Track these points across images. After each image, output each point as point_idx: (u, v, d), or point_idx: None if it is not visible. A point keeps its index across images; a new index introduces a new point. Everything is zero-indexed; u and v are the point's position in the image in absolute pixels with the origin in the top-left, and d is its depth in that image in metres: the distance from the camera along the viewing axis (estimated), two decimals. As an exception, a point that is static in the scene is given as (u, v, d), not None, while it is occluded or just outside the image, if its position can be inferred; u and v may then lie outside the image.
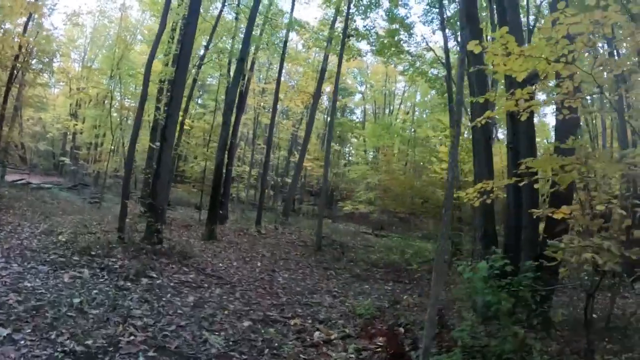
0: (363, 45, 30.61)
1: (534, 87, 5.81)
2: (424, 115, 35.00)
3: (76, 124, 32.23)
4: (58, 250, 8.49)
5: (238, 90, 15.47)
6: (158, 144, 13.12)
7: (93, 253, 8.44)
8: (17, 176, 27.30)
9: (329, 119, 24.64)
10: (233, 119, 18.41)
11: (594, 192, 5.24)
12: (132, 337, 4.89)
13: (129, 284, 7.12)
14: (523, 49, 4.87)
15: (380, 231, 26.55)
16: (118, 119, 23.63)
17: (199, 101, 37.62)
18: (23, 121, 33.23)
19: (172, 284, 7.72)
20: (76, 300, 5.67)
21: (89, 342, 4.59)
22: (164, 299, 6.71)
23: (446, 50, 19.58)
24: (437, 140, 28.25)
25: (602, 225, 4.91)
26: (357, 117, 45.37)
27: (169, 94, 11.67)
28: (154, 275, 7.96)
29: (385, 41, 20.99)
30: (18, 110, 26.88)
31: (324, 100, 35.04)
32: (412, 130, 29.92)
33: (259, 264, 11.53)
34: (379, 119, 37.61)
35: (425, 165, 28.36)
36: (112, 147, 32.46)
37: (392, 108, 39.07)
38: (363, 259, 14.50)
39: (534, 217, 6.17)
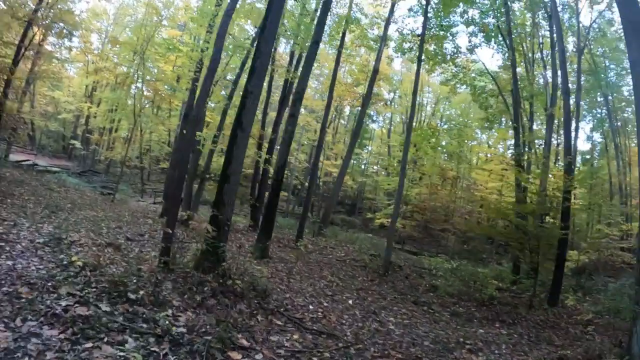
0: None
1: None
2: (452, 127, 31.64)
3: (90, 107, 28.50)
4: (73, 284, 4.86)
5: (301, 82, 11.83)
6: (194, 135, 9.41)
7: (132, 295, 4.80)
8: (24, 156, 23.75)
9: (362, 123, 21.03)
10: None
11: None
12: None
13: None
14: None
15: (402, 246, 23.34)
16: (138, 105, 19.86)
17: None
18: (35, 99, 29.45)
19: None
20: None
21: None
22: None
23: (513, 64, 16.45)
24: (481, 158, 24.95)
25: None
26: (379, 125, 41.86)
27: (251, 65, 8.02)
28: (246, 344, 4.37)
29: (431, 48, 18.14)
30: (30, 84, 23.09)
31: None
32: (456, 143, 26.32)
33: (350, 302, 8.65)
34: (414, 129, 34.06)
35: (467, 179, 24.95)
36: (128, 134, 28.94)
37: (421, 119, 35.54)
38: (436, 287, 12.41)
39: None
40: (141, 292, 4.92)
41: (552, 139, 19.96)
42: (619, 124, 24.71)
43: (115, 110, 26.32)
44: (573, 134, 15.63)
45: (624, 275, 15.75)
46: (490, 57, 74.48)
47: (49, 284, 4.70)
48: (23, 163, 21.32)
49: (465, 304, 10.74)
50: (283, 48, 24.72)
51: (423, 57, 18.44)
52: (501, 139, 24.59)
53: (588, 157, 27.84)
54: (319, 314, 6.99)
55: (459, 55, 19.06)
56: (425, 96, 35.90)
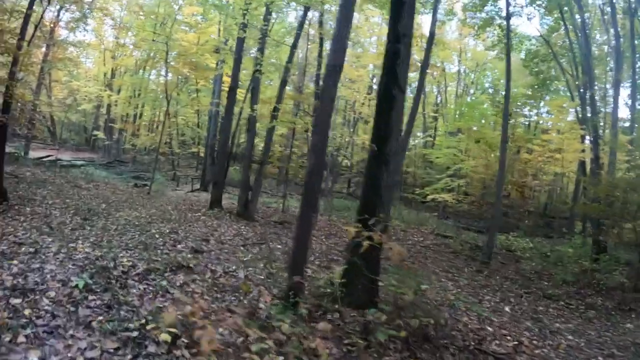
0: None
1: None
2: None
3: (111, 95, 25.57)
4: None
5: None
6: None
7: None
8: (45, 152, 21.14)
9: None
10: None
11: None
12: None
13: None
14: None
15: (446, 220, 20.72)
16: (170, 83, 16.83)
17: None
18: (52, 91, 26.64)
19: None
20: None
21: None
22: None
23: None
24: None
25: None
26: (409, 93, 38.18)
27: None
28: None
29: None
30: (45, 72, 20.20)
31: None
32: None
33: (506, 308, 6.96)
34: (458, 100, 30.56)
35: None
36: (155, 119, 26.11)
37: (461, 89, 31.85)
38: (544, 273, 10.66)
39: None
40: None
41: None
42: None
43: (138, 96, 23.38)
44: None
45: None
46: (529, 22, 67.98)
47: None
48: (45, 159, 18.70)
49: (587, 292, 9.02)
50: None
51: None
52: (559, 106, 21.09)
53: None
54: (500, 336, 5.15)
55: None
56: (466, 64, 32.02)
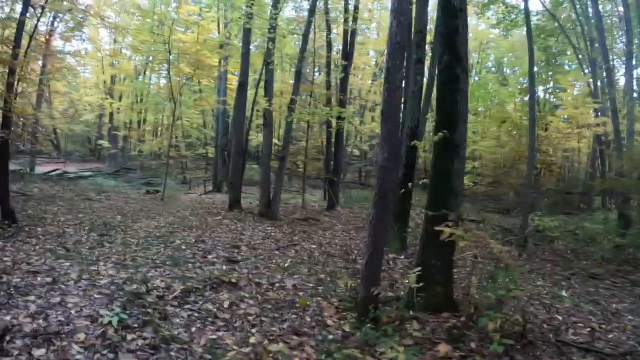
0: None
1: None
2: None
3: (112, 102, 24.78)
4: None
5: None
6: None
7: None
8: (51, 166, 20.42)
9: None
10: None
11: None
12: None
13: None
14: None
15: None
16: (173, 84, 15.99)
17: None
18: (52, 103, 25.85)
19: None
20: None
21: None
22: None
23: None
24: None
25: None
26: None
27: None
28: None
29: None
30: (43, 84, 19.43)
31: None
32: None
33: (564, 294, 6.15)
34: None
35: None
36: (160, 123, 25.38)
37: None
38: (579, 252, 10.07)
39: None
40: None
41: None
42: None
43: (140, 101, 22.55)
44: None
45: None
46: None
47: None
48: (52, 173, 17.99)
49: (626, 269, 8.38)
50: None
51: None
52: (569, 81, 20.14)
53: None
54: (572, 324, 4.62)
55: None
56: (470, 44, 30.83)
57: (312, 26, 12.08)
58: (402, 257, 8.05)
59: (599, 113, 16.66)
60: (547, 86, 25.37)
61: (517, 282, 3.68)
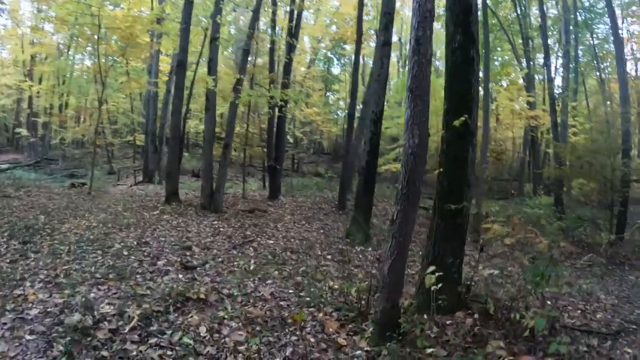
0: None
1: None
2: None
3: (32, 85, 21.93)
4: None
5: None
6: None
7: None
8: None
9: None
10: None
11: None
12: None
13: None
14: None
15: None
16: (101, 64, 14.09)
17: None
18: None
19: None
20: None
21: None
22: None
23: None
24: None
25: None
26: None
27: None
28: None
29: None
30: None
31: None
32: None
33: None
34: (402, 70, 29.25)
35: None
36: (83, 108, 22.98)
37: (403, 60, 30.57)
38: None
39: None
40: None
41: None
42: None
43: (63, 83, 20.11)
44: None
45: None
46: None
47: None
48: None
49: (575, 251, 8.54)
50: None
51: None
52: (507, 75, 20.80)
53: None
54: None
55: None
56: (404, 34, 30.53)
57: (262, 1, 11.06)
58: (370, 249, 7.54)
59: (531, 106, 18.06)
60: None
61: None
